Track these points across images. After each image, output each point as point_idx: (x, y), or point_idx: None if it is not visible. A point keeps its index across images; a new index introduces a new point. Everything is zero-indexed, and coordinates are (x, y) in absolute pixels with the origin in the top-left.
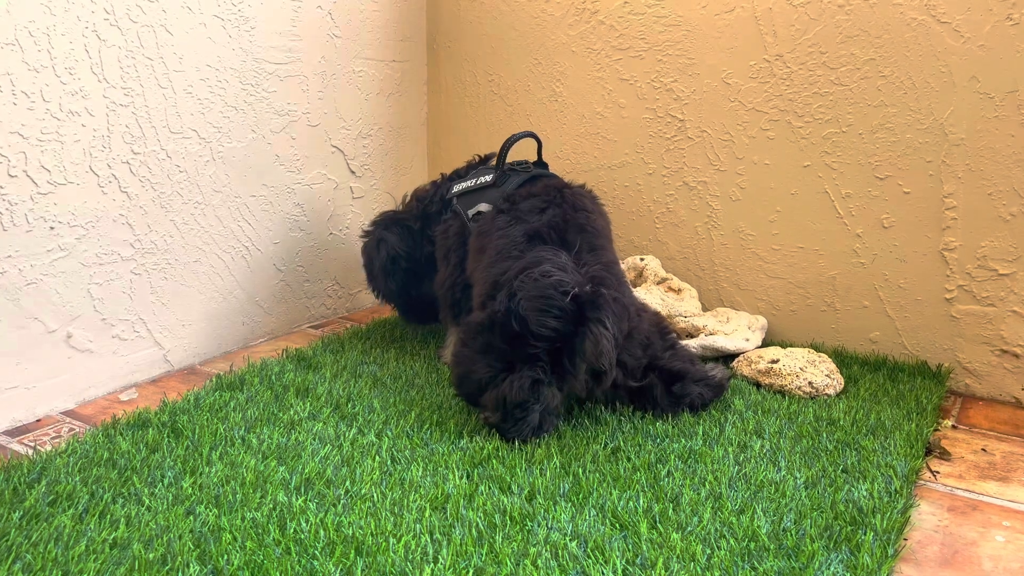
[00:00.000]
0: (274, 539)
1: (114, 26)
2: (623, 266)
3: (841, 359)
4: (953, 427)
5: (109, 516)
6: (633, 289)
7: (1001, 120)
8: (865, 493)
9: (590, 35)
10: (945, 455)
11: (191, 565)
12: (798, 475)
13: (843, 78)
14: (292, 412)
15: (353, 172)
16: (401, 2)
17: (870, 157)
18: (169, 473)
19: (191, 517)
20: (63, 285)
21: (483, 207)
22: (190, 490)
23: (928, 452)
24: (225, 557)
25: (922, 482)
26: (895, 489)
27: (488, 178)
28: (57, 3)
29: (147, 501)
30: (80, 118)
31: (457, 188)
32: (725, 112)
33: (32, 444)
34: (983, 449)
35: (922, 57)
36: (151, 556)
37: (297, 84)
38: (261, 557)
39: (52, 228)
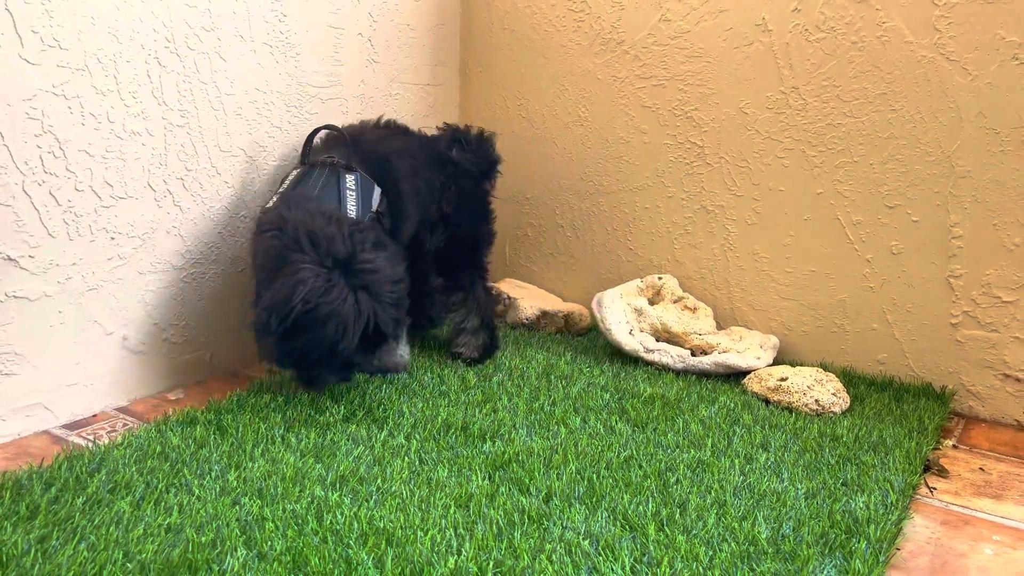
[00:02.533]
0: (312, 529)
1: (173, 53)
2: (642, 284)
3: (849, 379)
4: (954, 447)
5: (163, 503)
6: (650, 306)
7: (1006, 154)
8: (862, 505)
9: (615, 64)
10: (943, 473)
11: (238, 549)
12: (799, 486)
13: (855, 111)
14: (328, 415)
15: None
16: (437, 29)
17: (880, 186)
18: (216, 467)
19: (237, 507)
20: (121, 291)
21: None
22: (235, 483)
23: (927, 469)
24: (269, 543)
25: (919, 497)
26: (891, 502)
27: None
28: (123, 32)
29: (197, 491)
30: (141, 138)
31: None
32: (742, 140)
33: (91, 437)
34: (981, 468)
35: (931, 93)
36: (203, 540)
37: (337, 106)
38: (301, 545)
39: (112, 239)
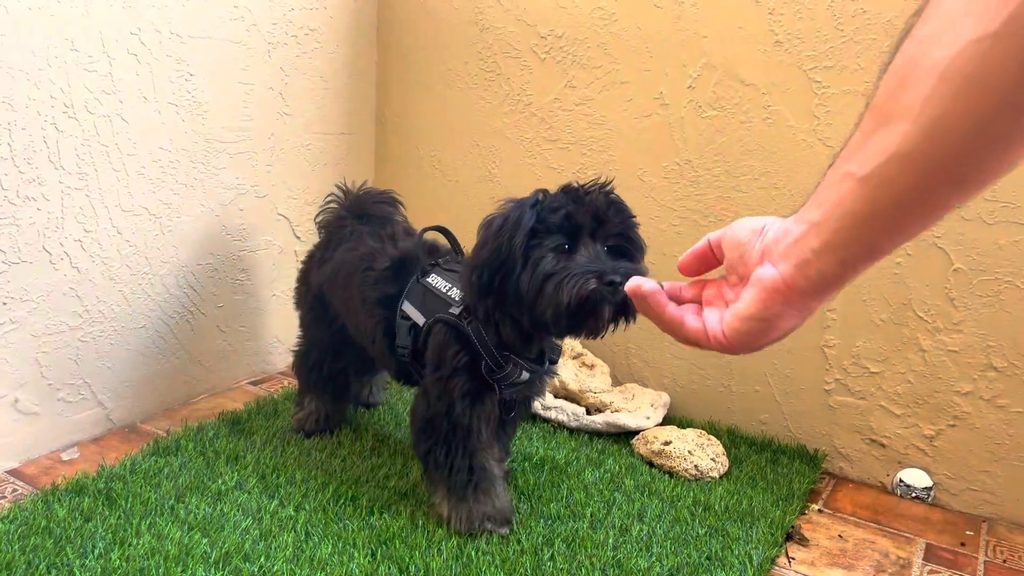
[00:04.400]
0: None
1: (72, 118)
2: None
3: (733, 438)
4: (819, 511)
5: None
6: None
7: None
8: None
9: (523, 124)
10: (804, 541)
11: None
12: (665, 562)
13: (743, 186)
14: (220, 481)
15: (298, 237)
16: (352, 81)
17: None
18: (100, 544)
19: None
20: (12, 355)
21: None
22: (118, 562)
23: (789, 538)
24: None
25: (778, 568)
26: None
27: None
28: (19, 101)
29: (77, 573)
30: (36, 203)
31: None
32: (640, 206)
33: None
34: (840, 535)
35: (810, 174)
36: None
37: (246, 160)
38: None
39: (4, 303)
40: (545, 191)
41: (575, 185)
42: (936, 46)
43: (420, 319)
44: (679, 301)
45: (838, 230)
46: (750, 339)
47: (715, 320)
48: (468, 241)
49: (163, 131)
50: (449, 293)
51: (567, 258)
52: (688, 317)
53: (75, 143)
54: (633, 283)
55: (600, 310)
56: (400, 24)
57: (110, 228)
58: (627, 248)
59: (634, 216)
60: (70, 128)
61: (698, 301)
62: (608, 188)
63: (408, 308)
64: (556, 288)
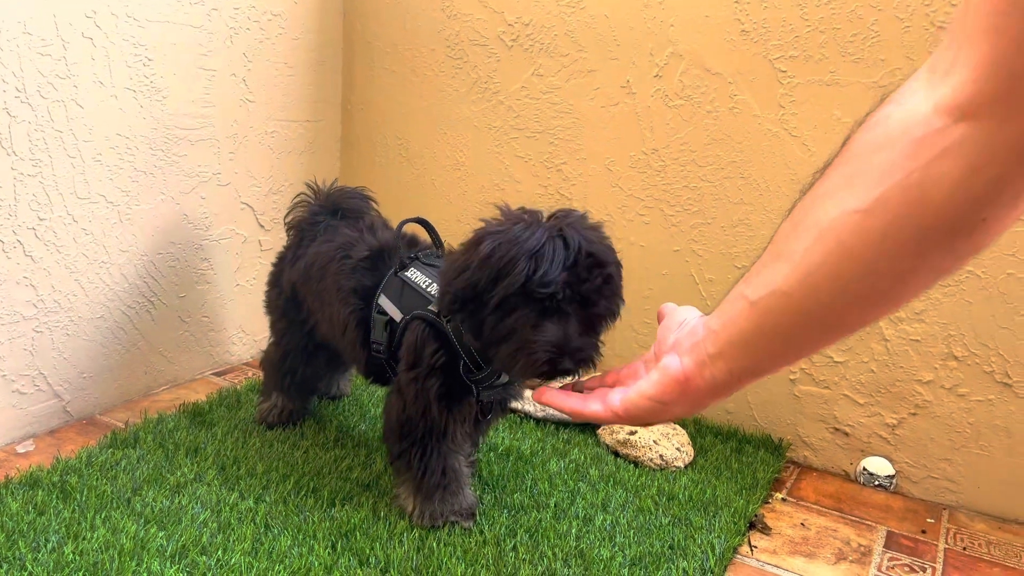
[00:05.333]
0: None
1: (25, 103)
2: None
3: (699, 427)
4: (783, 500)
5: None
6: None
7: None
8: (682, 572)
9: (490, 113)
10: (766, 530)
11: None
12: (628, 552)
13: (709, 176)
14: (179, 474)
15: (262, 226)
16: (317, 67)
17: (731, 248)
18: (53, 537)
19: None
20: None
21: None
22: (71, 556)
23: (752, 527)
24: None
25: (740, 557)
26: (709, 568)
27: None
28: None
29: (29, 567)
30: None
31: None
32: (607, 196)
33: None
34: (802, 523)
35: (775, 165)
36: None
37: (208, 147)
38: None
39: None
40: (548, 238)
41: (577, 247)
42: (822, 206)
43: (397, 315)
44: (607, 384)
45: (728, 342)
46: (644, 415)
47: (617, 396)
48: (446, 233)
49: (120, 117)
50: (429, 289)
51: (535, 321)
52: (589, 404)
53: (28, 129)
54: (536, 393)
55: (545, 380)
56: (366, 10)
57: (65, 216)
58: (600, 315)
59: (622, 297)
60: (23, 113)
61: (616, 384)
62: (609, 269)
63: (385, 302)
64: (510, 354)
